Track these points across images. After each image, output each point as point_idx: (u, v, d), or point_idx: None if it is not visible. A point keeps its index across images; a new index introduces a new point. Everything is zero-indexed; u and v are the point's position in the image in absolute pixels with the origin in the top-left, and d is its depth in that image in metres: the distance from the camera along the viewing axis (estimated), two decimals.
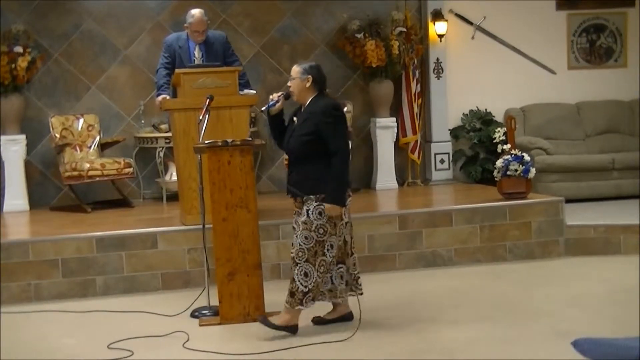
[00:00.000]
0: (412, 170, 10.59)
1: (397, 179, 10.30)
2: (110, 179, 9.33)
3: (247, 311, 6.18)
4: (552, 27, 10.97)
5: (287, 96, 5.99)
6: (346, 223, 5.89)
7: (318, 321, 6.10)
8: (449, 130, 10.71)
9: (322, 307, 6.08)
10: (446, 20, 10.51)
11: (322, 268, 5.78)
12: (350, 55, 10.19)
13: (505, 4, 10.76)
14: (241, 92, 7.80)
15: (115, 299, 7.18)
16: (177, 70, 7.75)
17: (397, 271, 7.86)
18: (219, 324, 6.18)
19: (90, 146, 9.60)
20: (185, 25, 8.18)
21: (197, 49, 8.17)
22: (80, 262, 7.37)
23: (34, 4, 9.79)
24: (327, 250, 5.79)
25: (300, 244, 5.77)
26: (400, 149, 10.45)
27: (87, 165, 9.07)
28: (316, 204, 5.73)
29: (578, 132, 10.72)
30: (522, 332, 5.73)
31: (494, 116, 10.72)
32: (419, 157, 10.52)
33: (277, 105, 5.98)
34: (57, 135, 9.42)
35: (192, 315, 6.44)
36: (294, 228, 5.91)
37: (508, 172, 8.43)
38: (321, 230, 5.75)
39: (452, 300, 6.75)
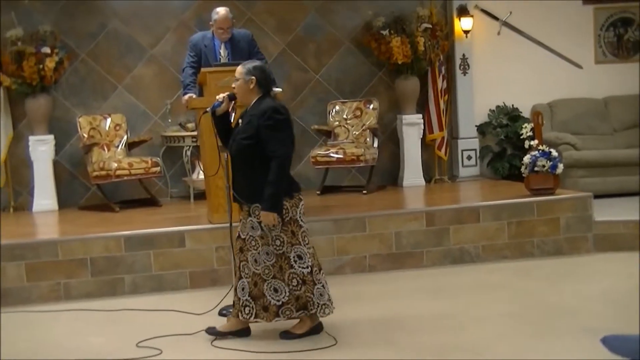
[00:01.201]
0: (439, 166, 10.56)
1: (424, 176, 10.27)
2: (138, 178, 9.37)
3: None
4: (578, 22, 10.89)
5: (232, 97, 5.82)
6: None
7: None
8: (476, 126, 10.68)
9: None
10: (472, 16, 10.47)
11: (295, 281, 5.62)
12: (375, 52, 10.18)
13: None
14: None
15: (144, 298, 7.20)
16: (202, 69, 7.77)
17: (425, 268, 7.83)
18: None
19: (118, 145, 9.65)
20: (210, 23, 8.20)
21: (222, 47, 8.18)
22: (108, 261, 7.40)
23: (60, 4, 9.85)
24: (295, 262, 5.62)
25: (264, 261, 5.63)
26: (426, 145, 10.43)
27: (115, 165, 9.11)
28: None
29: (606, 127, 10.65)
30: (550, 328, 5.70)
31: (520, 112, 10.67)
32: (445, 154, 10.49)
33: (222, 106, 5.82)
34: (85, 135, 9.47)
35: (220, 313, 6.44)
36: (239, 236, 5.77)
37: (535, 168, 8.40)
38: (278, 242, 5.60)
39: (479, 296, 6.73)
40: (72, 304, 7.08)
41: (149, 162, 9.30)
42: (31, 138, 9.53)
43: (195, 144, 9.37)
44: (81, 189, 9.97)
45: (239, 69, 5.77)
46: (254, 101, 5.70)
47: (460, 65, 10.59)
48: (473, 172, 10.62)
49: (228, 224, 6.42)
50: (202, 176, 8.71)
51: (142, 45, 10.09)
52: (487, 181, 10.37)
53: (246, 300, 5.72)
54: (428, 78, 10.36)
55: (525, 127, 8.84)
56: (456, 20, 10.52)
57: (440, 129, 10.36)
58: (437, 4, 10.53)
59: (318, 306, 5.68)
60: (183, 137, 9.65)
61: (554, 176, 8.39)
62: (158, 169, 9.37)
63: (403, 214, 8.07)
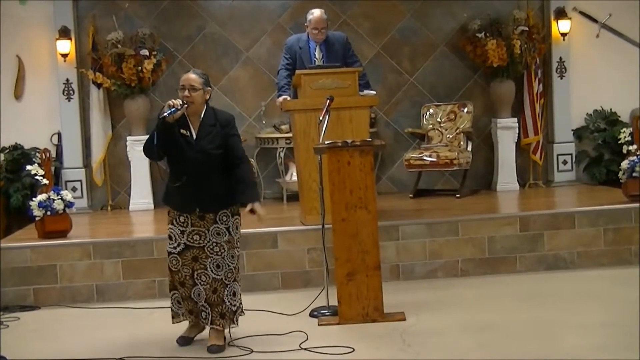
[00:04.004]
0: (533, 171, 10.41)
1: (518, 180, 10.14)
2: None
3: (366, 312, 6.19)
4: None
5: (187, 105, 5.74)
6: None
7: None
8: (572, 130, 10.50)
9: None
10: (569, 19, 10.30)
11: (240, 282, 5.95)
12: (470, 55, 10.09)
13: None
14: (361, 93, 7.83)
15: None
16: (297, 71, 7.83)
17: (518, 274, 7.73)
18: (338, 324, 6.20)
19: None
20: (305, 24, 8.25)
21: (317, 49, 8.24)
22: None
23: (159, 8, 10.05)
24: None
25: (228, 265, 5.72)
26: (521, 149, 10.29)
27: None
28: (234, 217, 5.75)
29: None
30: None
31: (619, 116, 10.44)
32: (541, 158, 10.34)
33: (178, 112, 5.66)
34: None
35: (311, 314, 6.49)
36: (191, 247, 5.77)
37: (634, 174, 8.22)
38: (238, 244, 5.83)
39: (573, 304, 6.61)
40: (165, 302, 7.18)
41: None
42: (129, 138, 9.75)
43: (289, 146, 9.44)
44: None
45: (197, 79, 5.78)
46: (204, 110, 5.79)
47: (557, 69, 10.42)
48: (569, 177, 10.44)
49: (321, 226, 6.47)
50: (295, 178, 8.76)
51: (238, 48, 10.21)
52: (583, 186, 10.18)
53: (202, 305, 5.81)
54: (524, 81, 10.22)
55: (624, 131, 8.68)
56: (553, 23, 10.35)
57: (536, 133, 10.21)
58: (534, 6, 10.38)
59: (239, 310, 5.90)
60: (277, 138, 9.73)
61: None
62: (252, 170, 9.48)
63: (497, 218, 8.00)
